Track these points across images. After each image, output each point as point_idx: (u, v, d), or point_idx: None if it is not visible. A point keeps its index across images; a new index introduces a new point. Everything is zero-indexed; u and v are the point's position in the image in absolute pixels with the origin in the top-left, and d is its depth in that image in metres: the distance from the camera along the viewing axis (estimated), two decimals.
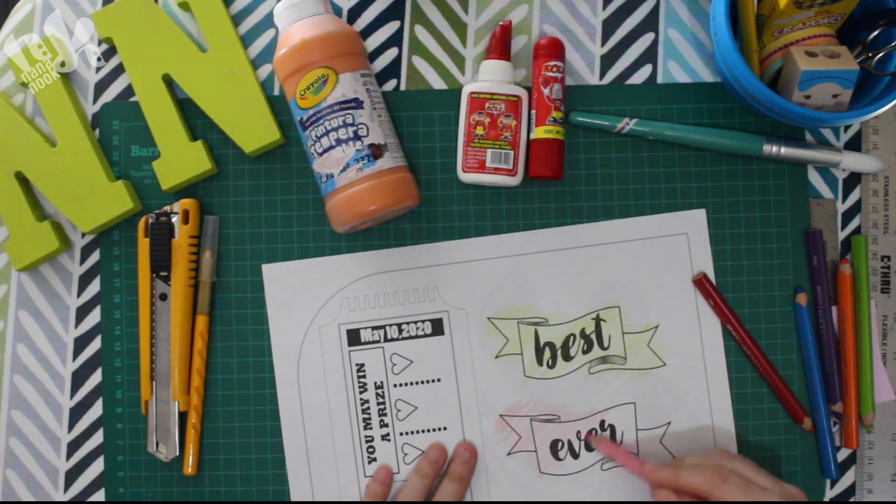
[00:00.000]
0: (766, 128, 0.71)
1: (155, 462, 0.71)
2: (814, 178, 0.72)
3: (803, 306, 0.70)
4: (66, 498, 0.71)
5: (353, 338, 0.71)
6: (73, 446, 0.71)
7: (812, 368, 0.70)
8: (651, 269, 0.71)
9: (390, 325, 0.71)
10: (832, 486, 0.71)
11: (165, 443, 0.70)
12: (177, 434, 0.69)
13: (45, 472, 0.71)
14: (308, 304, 0.71)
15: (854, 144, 0.72)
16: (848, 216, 0.72)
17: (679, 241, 0.71)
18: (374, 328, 0.71)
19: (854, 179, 0.72)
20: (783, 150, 0.70)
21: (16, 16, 0.73)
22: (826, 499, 0.71)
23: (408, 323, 0.71)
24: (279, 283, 0.71)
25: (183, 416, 0.70)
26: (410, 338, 0.71)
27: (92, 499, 0.71)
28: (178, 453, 0.70)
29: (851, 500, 0.71)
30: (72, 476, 0.71)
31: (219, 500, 0.71)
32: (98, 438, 0.71)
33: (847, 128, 0.72)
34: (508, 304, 0.71)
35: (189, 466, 0.70)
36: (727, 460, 0.65)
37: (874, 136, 0.72)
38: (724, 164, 0.71)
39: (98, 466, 0.71)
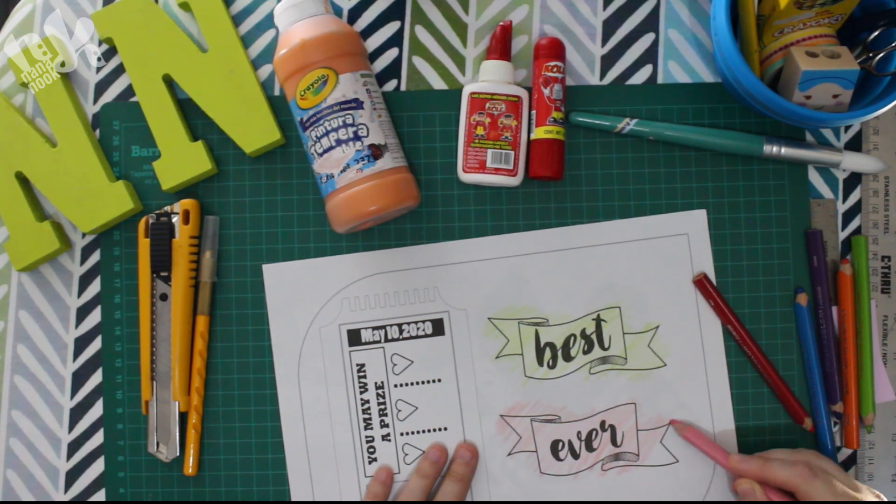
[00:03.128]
0: (766, 128, 0.71)
1: (155, 462, 0.71)
2: (814, 178, 0.72)
3: (804, 306, 0.70)
4: (67, 498, 0.71)
5: (354, 338, 0.71)
6: (74, 446, 0.71)
7: (812, 368, 0.70)
8: (651, 270, 0.71)
9: (391, 326, 0.71)
10: None
11: (166, 443, 0.70)
12: (177, 434, 0.69)
13: (46, 472, 0.71)
14: (308, 305, 0.71)
15: (854, 144, 0.72)
16: (848, 216, 0.72)
17: (679, 241, 0.71)
18: (374, 328, 0.71)
19: (854, 179, 0.72)
20: (783, 150, 0.70)
21: (16, 16, 0.73)
22: None
23: (408, 323, 0.71)
24: (279, 284, 0.71)
25: (183, 417, 0.70)
26: (411, 338, 0.71)
27: (92, 499, 0.71)
28: (178, 454, 0.70)
29: None
30: (72, 476, 0.71)
31: (219, 501, 0.71)
32: (98, 439, 0.71)
33: (847, 128, 0.72)
34: (509, 304, 0.71)
35: (189, 467, 0.70)
36: (815, 458, 0.65)
37: (874, 137, 0.72)
38: (724, 164, 0.71)
39: (98, 467, 0.71)
